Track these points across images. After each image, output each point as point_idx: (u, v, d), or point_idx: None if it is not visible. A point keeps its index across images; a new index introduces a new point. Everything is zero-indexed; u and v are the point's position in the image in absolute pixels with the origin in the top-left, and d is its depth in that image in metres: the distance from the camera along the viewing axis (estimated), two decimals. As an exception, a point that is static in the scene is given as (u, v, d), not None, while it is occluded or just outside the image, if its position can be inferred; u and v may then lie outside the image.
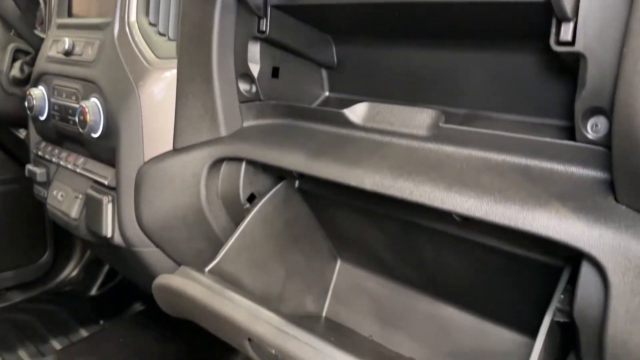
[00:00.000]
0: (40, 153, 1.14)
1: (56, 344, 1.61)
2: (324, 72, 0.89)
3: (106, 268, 2.15)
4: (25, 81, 1.42)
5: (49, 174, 1.12)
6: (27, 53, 1.43)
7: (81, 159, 1.02)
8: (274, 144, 0.80)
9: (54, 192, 1.08)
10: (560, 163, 0.56)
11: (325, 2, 0.73)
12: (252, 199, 0.89)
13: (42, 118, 1.09)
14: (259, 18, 0.80)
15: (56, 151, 1.10)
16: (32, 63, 1.39)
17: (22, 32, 1.32)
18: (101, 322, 1.79)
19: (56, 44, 1.05)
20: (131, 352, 1.30)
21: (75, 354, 1.30)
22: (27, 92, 1.09)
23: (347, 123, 0.74)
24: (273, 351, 0.63)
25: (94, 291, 2.11)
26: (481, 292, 0.75)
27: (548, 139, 0.56)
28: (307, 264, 0.94)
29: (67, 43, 0.99)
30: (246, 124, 0.88)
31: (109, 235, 0.93)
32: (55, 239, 2.15)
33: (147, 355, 1.29)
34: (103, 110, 0.91)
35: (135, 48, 0.88)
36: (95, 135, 0.93)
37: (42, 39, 1.37)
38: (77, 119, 0.94)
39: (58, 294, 2.09)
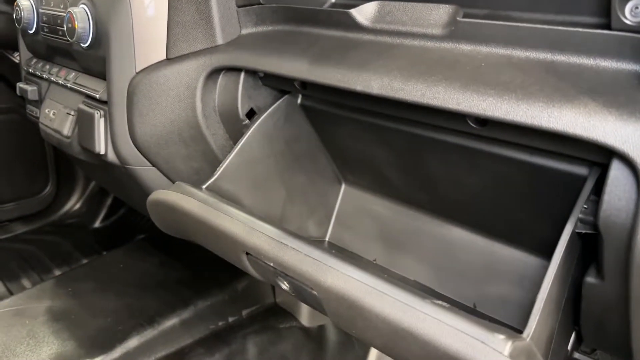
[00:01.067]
0: (31, 70, 1.08)
1: (58, 273, 1.61)
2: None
3: (109, 201, 2.13)
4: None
5: (40, 92, 1.06)
6: None
7: (72, 74, 0.96)
8: (274, 51, 0.75)
9: (46, 110, 1.03)
10: (590, 56, 0.50)
11: None
12: (251, 114, 0.83)
13: (31, 31, 1.03)
14: None
15: (47, 67, 1.04)
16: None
17: None
18: (104, 253, 1.78)
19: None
20: (131, 276, 1.28)
21: (74, 279, 1.28)
22: (15, 4, 1.02)
23: (354, 25, 0.67)
24: (272, 264, 0.59)
25: (97, 224, 2.10)
26: (493, 211, 0.71)
27: (579, 29, 0.50)
28: (309, 186, 0.89)
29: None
30: (244, 31, 0.82)
31: (102, 152, 0.89)
32: (58, 171, 2.12)
33: (148, 280, 1.27)
34: (92, 17, 0.85)
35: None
36: (84, 45, 0.87)
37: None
38: (65, 28, 0.87)
39: (61, 226, 2.08)
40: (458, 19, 0.58)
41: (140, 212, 2.10)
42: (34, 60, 1.10)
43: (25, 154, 2.02)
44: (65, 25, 0.88)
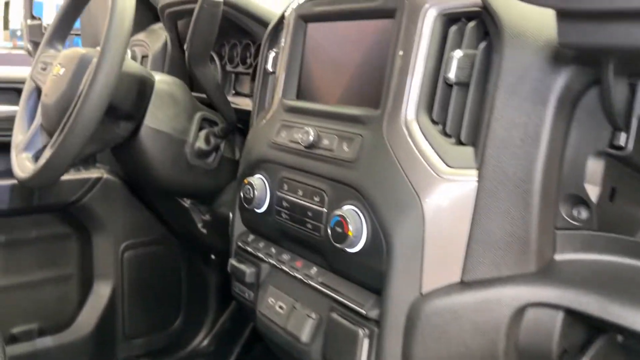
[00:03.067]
0: (248, 248, 0.99)
1: None
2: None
3: (242, 340, 2.00)
4: (209, 153, 1.31)
5: (259, 275, 0.96)
6: (211, 122, 1.32)
7: (314, 269, 0.85)
8: (611, 293, 0.61)
9: (270, 300, 0.92)
10: None
11: None
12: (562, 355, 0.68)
13: (259, 211, 0.94)
14: (615, 129, 0.61)
15: (272, 250, 0.94)
16: (222, 135, 1.27)
17: (217, 102, 1.20)
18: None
19: (287, 130, 0.91)
20: None
21: None
22: (245, 181, 0.95)
23: None
24: None
25: (228, 366, 1.96)
26: None
27: None
28: None
29: (311, 134, 0.83)
30: (559, 257, 0.68)
31: (360, 376, 0.75)
32: (189, 304, 2.03)
33: None
34: (367, 222, 0.74)
35: (416, 151, 0.71)
36: (351, 250, 0.76)
37: (236, 111, 1.26)
38: (328, 229, 0.77)
39: (189, 366, 1.96)
40: None
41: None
42: (251, 236, 1.01)
43: (160, 286, 1.95)
44: (328, 226, 0.78)
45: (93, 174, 1.71)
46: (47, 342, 1.73)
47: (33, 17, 2.21)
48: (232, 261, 1.02)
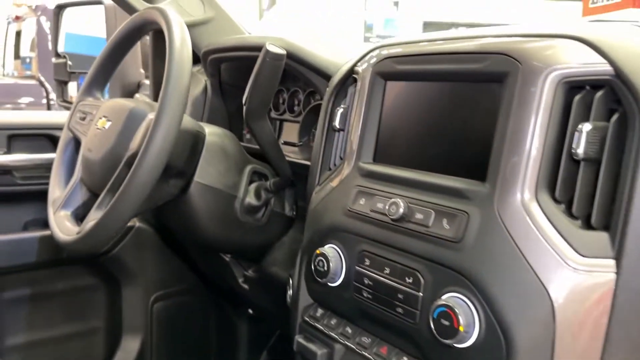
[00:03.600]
0: (318, 325, 0.90)
1: None
2: None
3: (276, 396, 1.89)
4: (260, 208, 1.22)
5: (331, 358, 0.87)
6: (261, 175, 1.24)
7: (404, 358, 0.76)
8: None
9: (346, 388, 0.83)
10: None
11: None
12: None
13: (333, 285, 0.85)
14: None
15: (348, 330, 0.85)
16: (275, 190, 1.19)
17: (273, 157, 1.13)
18: None
19: (367, 198, 0.82)
20: None
21: None
22: (318, 251, 0.86)
23: None
24: None
25: None
26: None
27: None
28: None
29: (401, 206, 0.75)
30: None
31: None
32: (217, 358, 1.93)
33: None
34: (479, 315, 0.65)
35: (539, 235, 0.63)
36: (460, 346, 0.67)
37: (291, 167, 1.17)
38: (430, 320, 0.68)
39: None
40: None
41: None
42: (320, 311, 0.91)
43: (190, 338, 1.85)
44: (424, 312, 0.69)
45: (125, 222, 1.63)
46: (73, 401, 1.63)
47: (58, 55, 2.16)
48: (299, 339, 0.92)
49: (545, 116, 0.65)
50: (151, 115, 0.99)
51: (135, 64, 1.99)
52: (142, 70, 2.14)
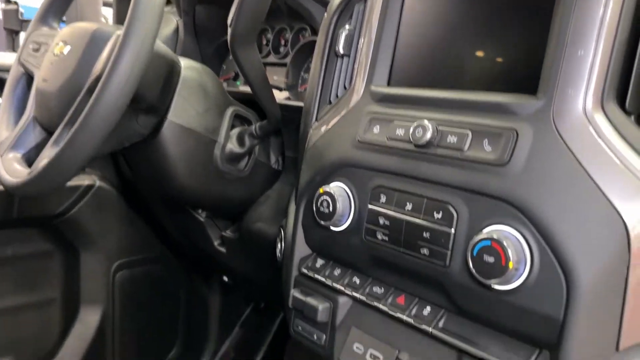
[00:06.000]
0: (318, 277, 0.77)
1: None
2: None
3: (248, 374, 1.76)
4: (242, 157, 1.09)
5: (334, 312, 0.75)
6: (244, 121, 1.10)
7: (427, 309, 0.64)
8: None
9: (355, 347, 0.70)
10: None
11: None
12: None
13: (338, 229, 0.73)
14: None
15: (355, 280, 0.73)
16: (261, 135, 1.05)
17: (261, 95, 0.98)
18: None
19: (383, 125, 0.70)
20: None
21: None
22: (321, 190, 0.73)
23: None
24: None
25: (233, 406, 1.71)
26: None
27: None
28: None
29: (429, 130, 0.63)
30: None
31: None
32: (188, 331, 1.78)
33: None
34: (533, 250, 0.54)
35: (611, 154, 0.52)
36: (502, 288, 0.55)
37: (280, 107, 1.04)
38: (469, 257, 0.56)
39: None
40: None
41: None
42: (320, 261, 0.79)
43: (156, 311, 1.70)
44: (459, 251, 0.58)
45: (83, 181, 1.45)
46: (25, 377, 1.46)
47: (8, 1, 1.94)
48: (295, 293, 0.79)
49: (615, 11, 0.54)
50: (119, 32, 0.84)
51: (94, 9, 1.81)
52: (102, 19, 1.96)
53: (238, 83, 1.31)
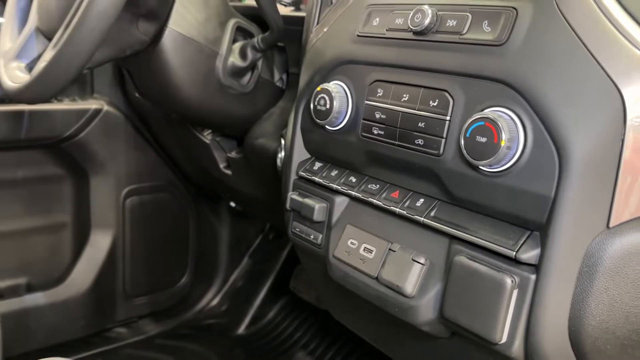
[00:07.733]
0: (315, 178, 0.77)
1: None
2: None
3: (258, 301, 1.79)
4: (245, 71, 1.07)
5: (331, 211, 0.75)
6: (247, 34, 1.08)
7: (420, 200, 0.64)
8: None
9: (350, 242, 0.71)
10: None
11: None
12: None
13: (335, 128, 0.72)
14: None
15: (352, 179, 0.73)
16: (263, 47, 1.04)
17: (264, 4, 0.96)
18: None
19: (382, 15, 0.68)
20: None
21: None
22: (318, 88, 0.72)
23: None
24: None
25: (241, 329, 1.76)
26: None
27: None
28: None
29: (428, 14, 0.61)
30: None
31: (503, 339, 0.55)
32: (197, 260, 1.82)
33: None
34: (526, 128, 0.53)
35: (611, 26, 0.50)
36: (494, 169, 0.55)
37: (284, 19, 1.02)
38: (461, 140, 0.56)
39: (198, 329, 1.75)
40: None
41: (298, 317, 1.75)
42: (318, 164, 0.79)
43: (167, 238, 1.73)
44: (452, 137, 0.57)
45: (91, 104, 1.45)
46: (37, 299, 1.50)
47: None
48: (293, 195, 0.80)
49: None
50: None
51: None
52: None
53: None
